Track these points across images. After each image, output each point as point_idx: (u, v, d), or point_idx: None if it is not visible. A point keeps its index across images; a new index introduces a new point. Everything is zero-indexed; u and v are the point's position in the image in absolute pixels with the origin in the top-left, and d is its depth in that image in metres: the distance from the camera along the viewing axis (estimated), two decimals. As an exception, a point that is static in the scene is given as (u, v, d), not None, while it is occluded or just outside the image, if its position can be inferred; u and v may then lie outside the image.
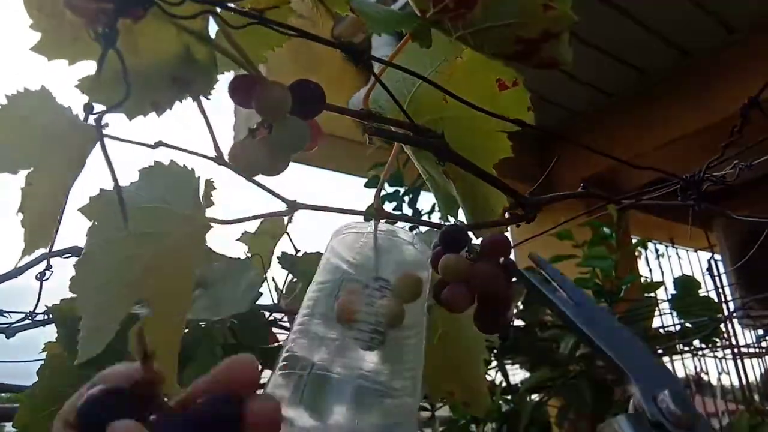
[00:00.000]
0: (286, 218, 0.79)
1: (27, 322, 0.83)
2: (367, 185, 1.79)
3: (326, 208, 0.44)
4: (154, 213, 0.41)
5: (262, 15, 0.37)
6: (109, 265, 0.41)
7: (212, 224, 0.44)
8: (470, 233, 0.49)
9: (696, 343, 1.88)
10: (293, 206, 0.43)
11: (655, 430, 0.34)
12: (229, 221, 0.43)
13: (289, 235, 0.80)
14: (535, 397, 1.78)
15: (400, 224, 0.54)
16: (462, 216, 0.54)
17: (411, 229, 0.60)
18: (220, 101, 0.42)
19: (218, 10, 0.32)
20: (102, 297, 0.41)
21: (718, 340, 1.78)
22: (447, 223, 0.50)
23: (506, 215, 0.51)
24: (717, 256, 3.81)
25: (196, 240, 0.44)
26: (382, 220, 0.46)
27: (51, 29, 0.33)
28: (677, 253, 3.70)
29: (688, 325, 1.76)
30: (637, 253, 3.22)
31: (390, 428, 0.38)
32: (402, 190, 1.88)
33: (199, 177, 0.44)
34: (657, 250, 3.59)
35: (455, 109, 0.46)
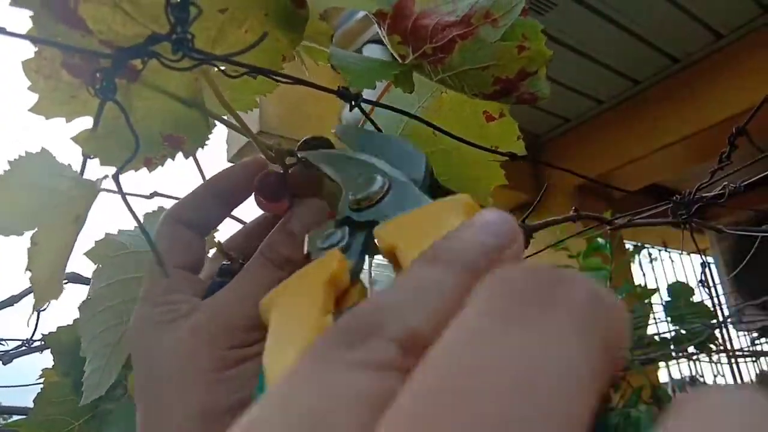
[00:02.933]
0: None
1: (23, 348, 0.83)
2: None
3: None
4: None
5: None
6: (112, 308, 0.42)
7: None
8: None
9: (691, 348, 1.89)
10: None
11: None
12: None
13: None
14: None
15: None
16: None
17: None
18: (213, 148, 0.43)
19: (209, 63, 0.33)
20: (105, 340, 0.41)
21: (713, 345, 1.79)
22: None
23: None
24: (709, 259, 3.84)
25: None
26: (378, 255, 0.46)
27: (48, 90, 0.33)
28: (670, 257, 3.71)
29: (682, 331, 1.77)
30: (630, 258, 3.24)
31: None
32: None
33: None
34: (650, 254, 3.60)
35: (446, 142, 0.47)
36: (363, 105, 0.41)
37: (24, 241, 0.44)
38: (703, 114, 2.65)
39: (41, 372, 0.83)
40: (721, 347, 2.25)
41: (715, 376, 2.95)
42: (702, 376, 3.27)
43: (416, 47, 0.43)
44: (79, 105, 0.34)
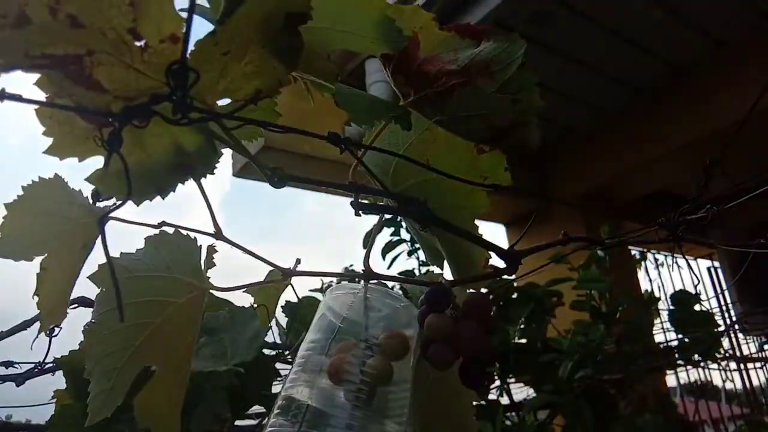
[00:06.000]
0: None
1: (36, 370, 0.86)
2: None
3: (321, 273, 0.47)
4: (160, 282, 0.44)
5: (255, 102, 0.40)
6: (117, 332, 0.44)
7: (212, 288, 0.47)
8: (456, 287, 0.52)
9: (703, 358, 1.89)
10: (288, 274, 0.46)
11: None
12: (227, 288, 0.46)
13: (292, 286, 0.84)
14: (541, 414, 1.80)
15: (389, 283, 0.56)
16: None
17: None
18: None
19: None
20: (110, 364, 0.44)
21: (718, 353, 1.80)
22: (433, 280, 0.52)
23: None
24: (716, 264, 3.83)
25: (196, 305, 0.47)
26: (372, 281, 0.48)
27: (63, 134, 0.36)
28: (676, 262, 3.71)
29: (686, 339, 1.78)
30: (636, 265, 3.25)
31: None
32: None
33: (200, 245, 0.47)
34: (656, 260, 3.61)
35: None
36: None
37: (34, 266, 0.47)
38: (706, 120, 2.66)
39: (53, 393, 0.85)
40: (729, 353, 2.25)
41: (724, 382, 2.94)
42: (711, 382, 3.26)
43: (418, 89, 0.45)
44: (91, 146, 0.36)
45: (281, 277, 0.46)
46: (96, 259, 0.48)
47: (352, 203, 0.44)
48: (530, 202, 2.92)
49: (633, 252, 3.34)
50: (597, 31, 2.44)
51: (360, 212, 0.44)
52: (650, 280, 3.42)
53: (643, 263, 3.28)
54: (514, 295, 1.83)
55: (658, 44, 2.60)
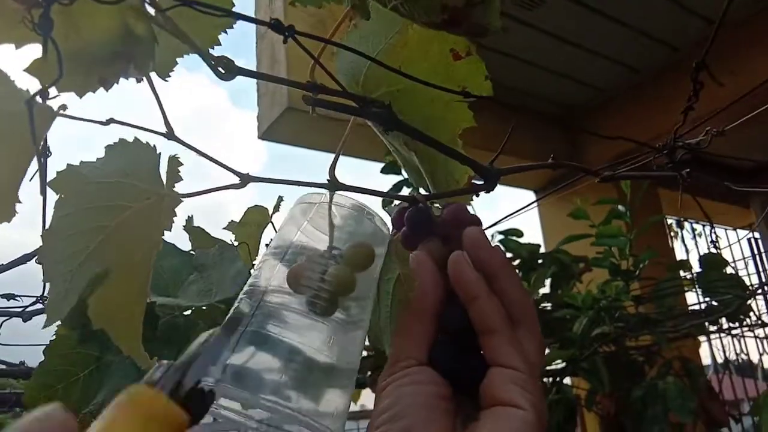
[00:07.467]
0: (270, 208, 0.81)
1: (39, 306, 0.87)
2: (383, 171, 1.80)
3: (279, 180, 0.45)
4: (117, 187, 0.43)
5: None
6: (73, 236, 0.43)
7: (170, 195, 0.45)
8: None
9: (731, 323, 1.83)
10: (246, 179, 0.44)
11: None
12: (186, 194, 0.45)
13: (273, 225, 0.83)
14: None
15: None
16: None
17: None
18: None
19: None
20: (66, 266, 0.43)
21: (746, 318, 1.73)
22: (407, 195, 0.50)
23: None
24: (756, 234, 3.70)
25: (154, 212, 0.45)
26: (340, 192, 0.46)
27: (-7, 17, 0.35)
28: (714, 232, 3.59)
29: (714, 303, 1.72)
30: (672, 234, 3.16)
31: (316, 396, 0.39)
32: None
33: (159, 153, 0.45)
34: (694, 230, 3.50)
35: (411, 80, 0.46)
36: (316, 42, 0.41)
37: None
38: (746, 77, 2.54)
39: (56, 328, 0.87)
40: (760, 321, 2.17)
41: (761, 355, 2.84)
42: (747, 354, 3.16)
43: (370, -30, 0.42)
44: (26, 31, 0.35)
45: (239, 183, 0.44)
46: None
47: (304, 98, 0.42)
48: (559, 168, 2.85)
49: (669, 221, 3.25)
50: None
51: (314, 108, 0.41)
52: (687, 251, 3.32)
53: (679, 233, 3.20)
54: (540, 261, 1.80)
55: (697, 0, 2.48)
